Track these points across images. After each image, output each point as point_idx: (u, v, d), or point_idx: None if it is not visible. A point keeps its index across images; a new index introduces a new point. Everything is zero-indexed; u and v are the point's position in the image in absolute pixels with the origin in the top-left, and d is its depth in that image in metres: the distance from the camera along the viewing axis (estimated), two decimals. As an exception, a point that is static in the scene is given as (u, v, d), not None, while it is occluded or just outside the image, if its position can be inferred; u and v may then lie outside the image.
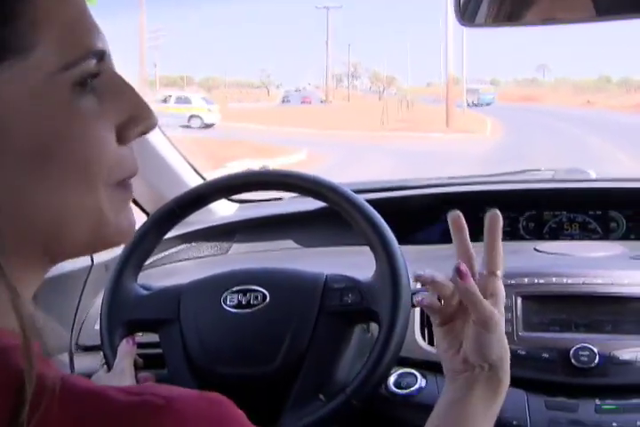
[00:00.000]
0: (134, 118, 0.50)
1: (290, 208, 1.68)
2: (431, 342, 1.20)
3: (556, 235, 1.61)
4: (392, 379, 1.11)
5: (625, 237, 1.58)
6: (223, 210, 1.70)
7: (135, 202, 1.55)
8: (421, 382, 1.14)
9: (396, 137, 20.05)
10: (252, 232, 1.66)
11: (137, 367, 1.03)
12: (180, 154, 1.65)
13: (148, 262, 1.17)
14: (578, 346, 1.09)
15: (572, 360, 1.09)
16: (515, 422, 1.06)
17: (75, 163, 0.46)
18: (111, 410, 0.41)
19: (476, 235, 1.63)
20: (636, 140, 17.23)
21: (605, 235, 1.60)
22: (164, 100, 23.96)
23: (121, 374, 0.99)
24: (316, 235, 1.63)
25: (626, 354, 1.09)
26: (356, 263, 1.08)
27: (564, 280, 1.18)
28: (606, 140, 17.60)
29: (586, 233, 1.61)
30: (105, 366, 1.07)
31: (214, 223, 1.64)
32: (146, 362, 1.07)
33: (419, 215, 1.64)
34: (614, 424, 1.04)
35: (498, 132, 22.31)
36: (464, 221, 0.88)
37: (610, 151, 14.49)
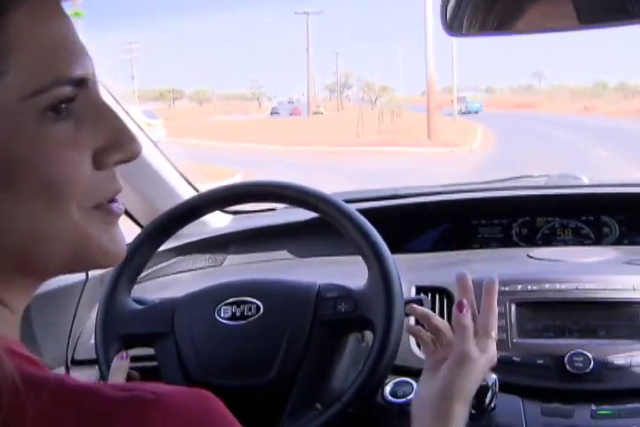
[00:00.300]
0: (113, 144, 0.49)
1: (283, 219, 1.68)
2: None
3: (549, 241, 1.62)
4: (388, 388, 1.11)
5: (618, 243, 1.59)
6: (217, 221, 1.70)
7: (129, 215, 1.55)
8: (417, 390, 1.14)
9: (370, 152, 18.20)
10: (246, 243, 1.66)
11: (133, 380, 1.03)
12: (174, 166, 1.65)
13: (142, 275, 1.17)
14: (572, 352, 1.10)
15: (567, 366, 1.09)
16: None
17: (42, 186, 0.46)
18: (103, 405, 0.42)
19: (469, 243, 1.65)
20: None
21: (598, 240, 1.60)
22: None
23: None
24: (309, 245, 1.63)
25: (620, 359, 1.09)
26: (350, 273, 1.09)
27: (558, 286, 1.18)
28: (609, 149, 15.89)
29: (579, 239, 1.61)
30: (101, 381, 1.07)
31: (208, 235, 1.64)
32: (142, 375, 1.07)
33: (411, 224, 1.64)
34: None
35: (489, 144, 20.63)
36: (470, 283, 0.95)
37: (619, 165, 12.60)
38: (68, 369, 1.29)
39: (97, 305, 1.13)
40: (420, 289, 1.27)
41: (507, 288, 1.18)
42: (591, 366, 1.08)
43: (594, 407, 1.07)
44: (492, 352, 0.90)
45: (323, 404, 0.98)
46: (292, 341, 1.02)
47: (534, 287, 1.19)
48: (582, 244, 1.60)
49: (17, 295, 0.49)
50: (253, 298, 1.06)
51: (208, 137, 24.81)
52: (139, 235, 1.13)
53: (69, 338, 1.34)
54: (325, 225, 1.08)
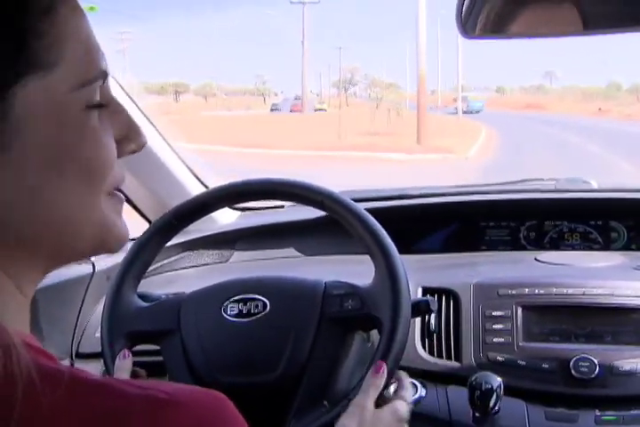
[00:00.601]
0: (127, 136, 0.53)
1: (291, 216, 1.68)
2: (431, 352, 1.20)
3: (556, 245, 1.61)
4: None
5: (626, 248, 1.58)
6: (224, 218, 1.70)
7: (138, 210, 1.55)
8: (421, 391, 1.14)
9: (344, 158, 15.29)
10: (252, 240, 1.66)
11: (140, 378, 1.03)
12: (183, 162, 1.65)
13: (149, 270, 1.17)
14: (578, 357, 1.09)
15: (572, 371, 1.09)
16: None
17: (87, 172, 0.48)
18: (118, 403, 0.42)
19: (477, 245, 1.65)
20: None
21: (606, 245, 1.60)
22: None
23: None
24: (317, 243, 1.63)
25: (626, 365, 1.09)
26: (357, 272, 1.08)
27: (565, 291, 1.18)
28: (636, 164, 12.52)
29: (587, 243, 1.61)
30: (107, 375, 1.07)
31: (215, 231, 1.64)
32: (147, 371, 1.07)
33: (418, 225, 1.64)
34: None
35: (490, 149, 17.58)
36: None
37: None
38: (72, 362, 1.29)
39: (103, 299, 1.13)
40: (426, 290, 1.27)
41: (513, 291, 1.18)
42: (596, 371, 1.08)
43: (598, 413, 1.07)
44: (401, 414, 0.95)
45: (330, 401, 0.98)
46: (299, 338, 1.02)
47: (541, 291, 1.19)
48: (590, 248, 1.60)
49: (31, 281, 0.50)
50: (260, 295, 1.06)
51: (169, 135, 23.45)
52: (147, 230, 1.13)
53: (75, 331, 1.34)
54: (333, 223, 1.08)
